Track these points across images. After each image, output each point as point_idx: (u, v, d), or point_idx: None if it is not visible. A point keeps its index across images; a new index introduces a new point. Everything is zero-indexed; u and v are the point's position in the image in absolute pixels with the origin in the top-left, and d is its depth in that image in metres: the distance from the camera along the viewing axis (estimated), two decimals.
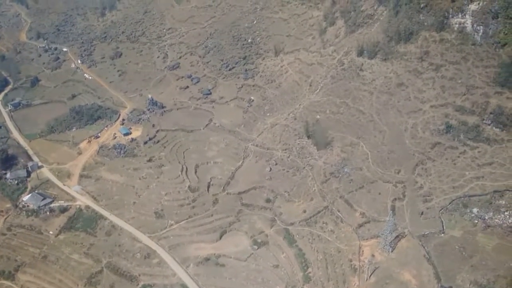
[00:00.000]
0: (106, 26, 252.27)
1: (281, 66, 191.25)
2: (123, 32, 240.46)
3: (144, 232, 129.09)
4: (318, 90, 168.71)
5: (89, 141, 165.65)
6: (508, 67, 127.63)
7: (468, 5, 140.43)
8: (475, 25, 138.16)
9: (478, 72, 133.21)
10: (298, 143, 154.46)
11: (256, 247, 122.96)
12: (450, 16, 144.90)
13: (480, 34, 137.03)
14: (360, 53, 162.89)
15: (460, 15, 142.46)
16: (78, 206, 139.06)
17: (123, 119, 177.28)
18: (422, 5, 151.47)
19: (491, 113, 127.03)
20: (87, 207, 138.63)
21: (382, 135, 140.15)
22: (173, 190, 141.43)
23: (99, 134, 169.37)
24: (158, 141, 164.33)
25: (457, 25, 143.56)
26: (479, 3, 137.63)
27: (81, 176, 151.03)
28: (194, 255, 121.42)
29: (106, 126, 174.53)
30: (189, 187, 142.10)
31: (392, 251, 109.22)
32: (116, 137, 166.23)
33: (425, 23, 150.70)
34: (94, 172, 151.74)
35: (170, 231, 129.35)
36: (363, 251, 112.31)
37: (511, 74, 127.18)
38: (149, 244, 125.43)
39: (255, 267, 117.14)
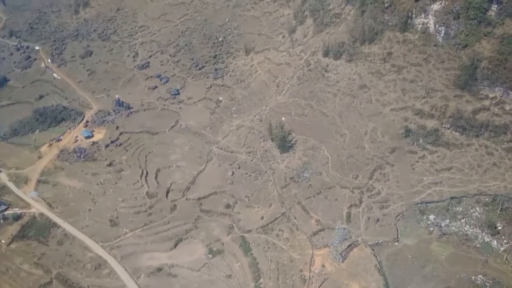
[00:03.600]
0: (78, 24, 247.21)
1: (251, 66, 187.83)
2: (95, 30, 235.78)
3: (97, 241, 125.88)
4: (284, 91, 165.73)
5: (50, 145, 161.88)
6: (468, 70, 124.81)
7: (431, 5, 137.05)
8: (437, 26, 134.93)
9: (439, 75, 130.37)
10: (263, 146, 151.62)
11: (211, 256, 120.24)
12: (414, 16, 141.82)
13: (442, 35, 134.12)
14: (326, 54, 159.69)
15: (423, 15, 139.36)
16: (32, 214, 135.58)
17: (87, 121, 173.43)
18: (386, 5, 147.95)
19: (450, 116, 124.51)
20: (41, 214, 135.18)
21: (343, 139, 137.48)
22: (130, 196, 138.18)
23: (61, 137, 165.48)
24: (121, 144, 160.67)
25: (420, 26, 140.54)
26: (441, 3, 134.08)
27: (38, 181, 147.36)
28: (147, 265, 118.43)
29: (69, 129, 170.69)
30: (147, 193, 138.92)
31: (343, 261, 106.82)
32: (77, 140, 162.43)
33: (390, 23, 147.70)
34: (52, 178, 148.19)
35: (124, 239, 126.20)
36: (314, 260, 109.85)
37: (471, 77, 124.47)
38: (101, 253, 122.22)
39: (207, 277, 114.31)
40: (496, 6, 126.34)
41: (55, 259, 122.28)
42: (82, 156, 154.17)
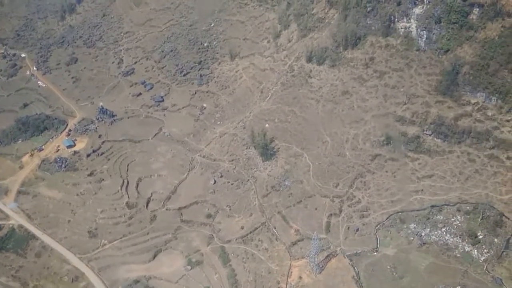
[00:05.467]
0: (65, 31, 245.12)
1: (236, 72, 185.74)
2: (80, 37, 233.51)
3: (75, 252, 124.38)
4: (268, 97, 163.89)
5: (32, 155, 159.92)
6: (449, 75, 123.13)
7: (412, 9, 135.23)
8: (419, 30, 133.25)
9: (420, 80, 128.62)
10: (245, 154, 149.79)
11: (189, 267, 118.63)
12: (396, 20, 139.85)
13: (424, 39, 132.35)
14: (310, 59, 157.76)
15: (405, 19, 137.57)
16: (11, 226, 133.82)
17: (70, 130, 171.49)
18: (369, 9, 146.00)
19: (431, 123, 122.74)
20: (20, 226, 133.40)
21: (325, 146, 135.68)
22: (110, 207, 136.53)
23: (42, 147, 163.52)
24: (103, 153, 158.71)
25: (402, 30, 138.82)
26: (422, 7, 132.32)
27: (19, 192, 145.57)
28: (124, 278, 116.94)
29: (51, 138, 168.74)
30: (127, 203, 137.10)
31: (320, 273, 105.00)
32: (59, 149, 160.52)
33: (372, 28, 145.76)
34: (32, 188, 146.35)
35: (102, 251, 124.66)
36: (292, 272, 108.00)
37: (452, 82, 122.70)
38: (78, 265, 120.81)
39: None
40: (477, 9, 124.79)
41: (33, 271, 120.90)
42: (63, 166, 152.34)
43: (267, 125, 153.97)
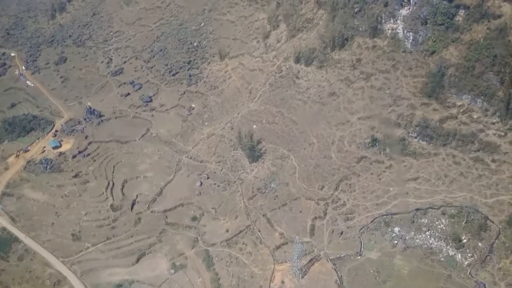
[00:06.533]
0: (54, 30, 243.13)
1: (225, 72, 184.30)
2: (70, 36, 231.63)
3: (58, 256, 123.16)
4: (257, 98, 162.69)
5: (17, 156, 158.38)
6: (435, 77, 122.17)
7: (399, 10, 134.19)
8: (405, 31, 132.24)
9: (406, 82, 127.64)
10: (233, 155, 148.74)
11: (173, 271, 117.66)
12: (383, 21, 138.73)
13: (410, 41, 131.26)
14: (298, 60, 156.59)
15: (392, 21, 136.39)
16: None
17: (56, 131, 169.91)
18: (356, 10, 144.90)
19: (416, 125, 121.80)
20: (3, 229, 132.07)
21: (311, 148, 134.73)
22: (94, 209, 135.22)
23: (28, 148, 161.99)
24: (89, 155, 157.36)
25: (389, 31, 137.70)
26: (409, 8, 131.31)
27: (3, 194, 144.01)
28: (107, 281, 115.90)
29: (38, 139, 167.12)
30: (111, 205, 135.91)
31: (303, 277, 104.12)
32: (45, 150, 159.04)
33: (360, 29, 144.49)
34: (17, 190, 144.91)
35: (85, 254, 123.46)
36: (274, 276, 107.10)
37: (438, 84, 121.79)
38: (61, 269, 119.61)
39: None
40: (463, 11, 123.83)
41: (15, 275, 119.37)
42: (48, 167, 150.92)
43: (254, 126, 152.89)
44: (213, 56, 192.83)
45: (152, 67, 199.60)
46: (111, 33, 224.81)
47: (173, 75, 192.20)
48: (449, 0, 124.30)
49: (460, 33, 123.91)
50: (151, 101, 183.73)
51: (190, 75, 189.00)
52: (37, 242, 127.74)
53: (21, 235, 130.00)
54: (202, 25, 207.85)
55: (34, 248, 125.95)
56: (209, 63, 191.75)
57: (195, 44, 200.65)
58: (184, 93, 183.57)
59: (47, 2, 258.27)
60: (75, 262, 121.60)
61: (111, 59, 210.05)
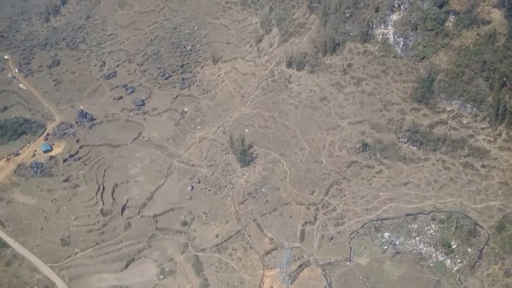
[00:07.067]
0: (48, 32, 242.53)
1: (218, 76, 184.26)
2: (63, 39, 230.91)
3: (46, 261, 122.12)
4: (249, 102, 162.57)
5: (8, 159, 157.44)
6: (425, 82, 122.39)
7: (390, 15, 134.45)
8: (396, 37, 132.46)
9: (396, 87, 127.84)
10: (224, 159, 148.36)
11: (162, 276, 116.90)
12: (374, 26, 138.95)
13: (400, 46, 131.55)
14: (290, 64, 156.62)
15: (383, 26, 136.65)
16: None
17: (47, 134, 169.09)
18: (347, 15, 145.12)
19: (406, 130, 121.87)
20: None
21: (302, 153, 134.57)
22: (84, 214, 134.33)
23: (19, 151, 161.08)
24: (80, 158, 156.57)
25: (380, 36, 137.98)
26: (399, 14, 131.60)
27: None
28: (95, 287, 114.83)
29: (29, 142, 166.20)
30: (101, 210, 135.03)
31: (292, 283, 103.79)
32: (36, 154, 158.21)
33: (351, 34, 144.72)
34: (7, 194, 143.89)
35: (74, 260, 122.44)
36: (264, 282, 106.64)
37: (428, 90, 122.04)
38: (49, 275, 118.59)
39: None
40: (453, 17, 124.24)
41: (2, 281, 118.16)
42: (38, 171, 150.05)
43: (246, 130, 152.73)
44: (206, 60, 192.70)
45: (145, 71, 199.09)
46: (105, 36, 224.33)
47: (166, 78, 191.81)
48: (439, 6, 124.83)
49: (450, 38, 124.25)
50: (143, 104, 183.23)
51: (183, 79, 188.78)
52: (26, 247, 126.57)
53: (9, 240, 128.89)
54: (195, 29, 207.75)
55: (23, 253, 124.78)
56: (202, 67, 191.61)
57: (188, 47, 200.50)
58: (177, 96, 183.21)
59: (41, 5, 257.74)
60: (64, 267, 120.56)
61: (104, 62, 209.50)
